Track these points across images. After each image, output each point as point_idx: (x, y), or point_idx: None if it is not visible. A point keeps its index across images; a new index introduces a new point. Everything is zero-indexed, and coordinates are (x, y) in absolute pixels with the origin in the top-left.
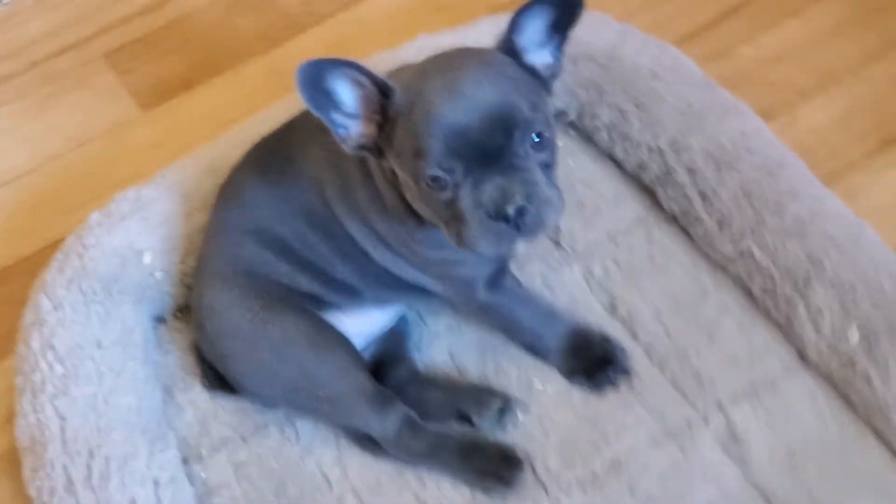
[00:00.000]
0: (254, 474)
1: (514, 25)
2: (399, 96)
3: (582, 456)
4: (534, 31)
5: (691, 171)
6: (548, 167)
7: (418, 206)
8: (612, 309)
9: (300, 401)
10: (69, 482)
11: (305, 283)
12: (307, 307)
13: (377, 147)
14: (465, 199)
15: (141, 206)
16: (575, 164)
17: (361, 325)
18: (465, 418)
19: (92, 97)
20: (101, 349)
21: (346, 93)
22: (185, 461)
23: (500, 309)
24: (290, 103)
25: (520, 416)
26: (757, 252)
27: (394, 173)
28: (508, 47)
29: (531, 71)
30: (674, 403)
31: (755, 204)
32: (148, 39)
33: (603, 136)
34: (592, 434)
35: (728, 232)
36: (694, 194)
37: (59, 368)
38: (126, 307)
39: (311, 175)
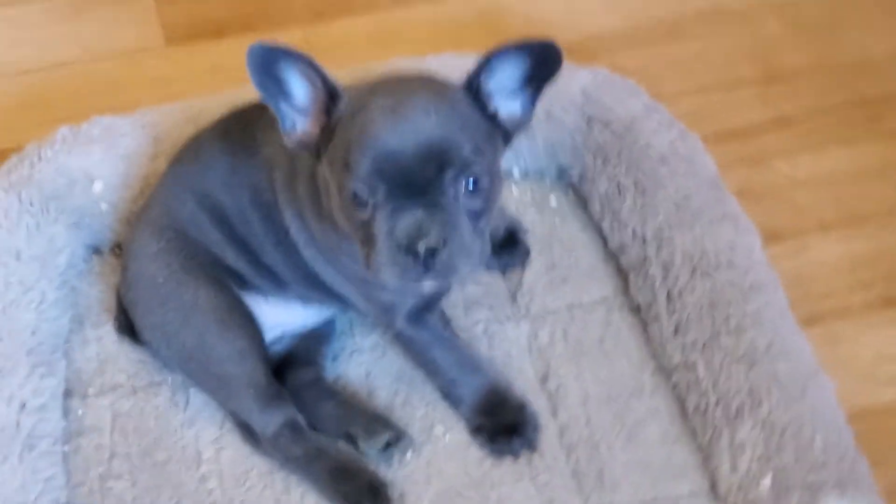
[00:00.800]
0: (129, 428)
1: (483, 66)
2: (345, 104)
3: None
4: (505, 78)
5: (666, 267)
6: (477, 216)
7: (337, 217)
8: (544, 379)
9: (192, 371)
10: None
11: (232, 258)
12: (226, 282)
13: (317, 149)
14: (380, 224)
15: (110, 135)
16: (561, 225)
17: (280, 315)
18: (352, 440)
19: (123, 16)
20: (18, 261)
21: (297, 86)
22: (67, 393)
23: (417, 344)
24: None
25: (408, 455)
26: (701, 368)
27: (323, 176)
28: (474, 88)
29: (492, 117)
30: (566, 493)
31: (716, 319)
32: None
33: (595, 206)
34: (473, 496)
35: (681, 339)
36: (661, 291)
37: None
38: (59, 227)
39: (266, 156)
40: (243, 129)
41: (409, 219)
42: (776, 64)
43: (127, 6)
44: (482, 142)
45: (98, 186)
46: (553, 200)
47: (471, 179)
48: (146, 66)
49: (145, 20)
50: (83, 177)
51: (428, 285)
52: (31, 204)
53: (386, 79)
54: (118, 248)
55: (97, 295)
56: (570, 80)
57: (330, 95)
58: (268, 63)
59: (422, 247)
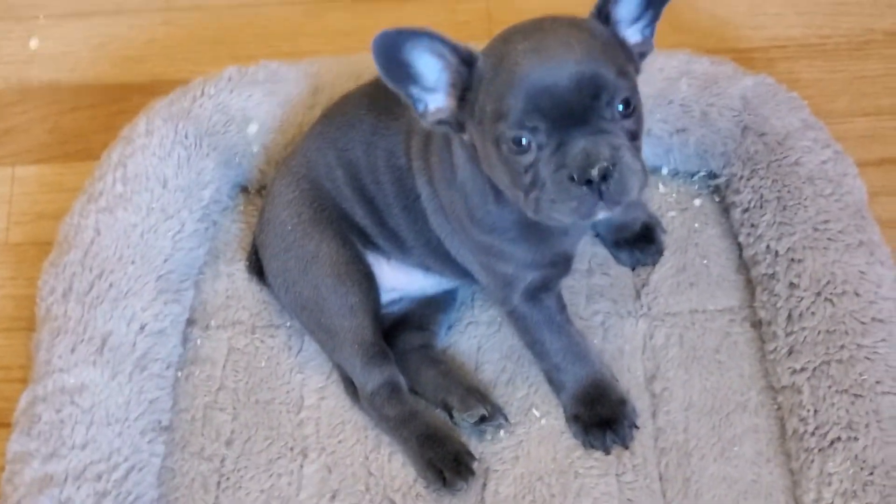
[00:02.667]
0: (241, 364)
1: None
2: (482, 62)
3: (534, 498)
4: (627, 3)
5: (792, 286)
6: (634, 136)
7: (494, 174)
8: (651, 380)
9: (305, 319)
10: (69, 289)
11: (360, 216)
12: (351, 239)
13: (457, 121)
14: (547, 162)
15: (275, 79)
16: (700, 230)
17: (400, 279)
18: (448, 409)
19: None
20: (165, 188)
21: (426, 65)
22: (190, 322)
23: (530, 323)
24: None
25: (501, 433)
26: (806, 393)
27: (473, 147)
28: (604, 15)
29: (623, 45)
30: (648, 495)
31: (830, 347)
32: None
33: (736, 215)
34: (556, 484)
35: (794, 361)
36: (783, 311)
37: (119, 187)
38: (209, 162)
39: (406, 122)
40: (389, 93)
41: (577, 148)
42: None
43: None
44: (624, 64)
45: (253, 128)
46: (697, 203)
47: (621, 102)
48: (330, 18)
49: None
50: (241, 117)
51: (602, 214)
52: (186, 136)
53: (515, 27)
54: (264, 190)
55: (237, 232)
56: (732, 85)
57: (465, 62)
58: (394, 49)
59: (595, 173)
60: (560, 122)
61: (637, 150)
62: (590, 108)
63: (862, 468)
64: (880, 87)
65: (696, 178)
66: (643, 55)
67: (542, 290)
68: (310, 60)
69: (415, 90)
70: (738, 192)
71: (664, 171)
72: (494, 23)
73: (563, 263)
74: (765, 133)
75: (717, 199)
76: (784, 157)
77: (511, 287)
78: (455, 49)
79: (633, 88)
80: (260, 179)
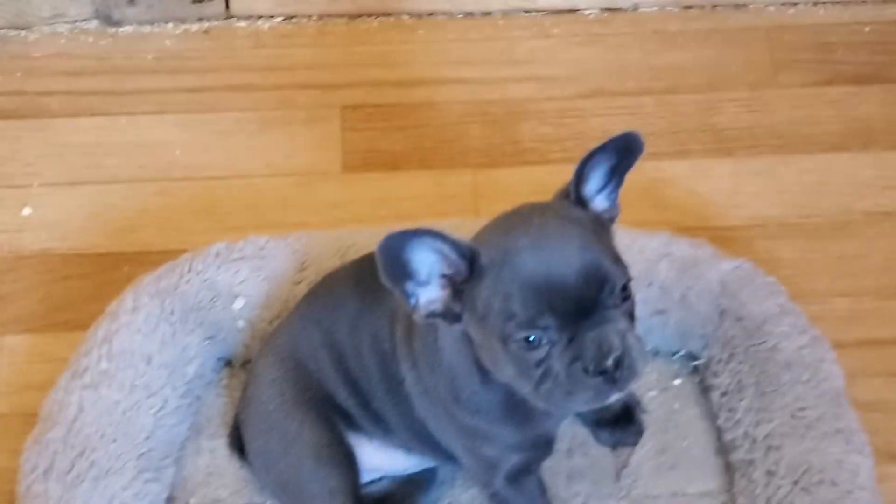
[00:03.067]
0: None
1: (579, 176)
2: (484, 258)
3: None
4: (596, 178)
5: (769, 474)
6: (631, 317)
7: (500, 369)
8: None
9: (284, 499)
10: (50, 467)
11: (343, 397)
12: (333, 420)
13: (451, 313)
14: (560, 357)
15: (261, 255)
16: (680, 410)
17: (383, 459)
18: None
19: (309, 139)
20: (148, 365)
21: (424, 262)
22: (171, 500)
23: None
24: (457, 225)
25: None
26: None
27: (466, 336)
28: (580, 199)
29: (597, 218)
30: None
31: None
32: (387, 110)
33: (715, 398)
34: None
35: None
36: (762, 497)
37: (104, 364)
38: (193, 339)
39: (390, 307)
40: (375, 275)
41: (590, 342)
42: None
43: (312, 130)
44: (614, 249)
45: (239, 303)
46: (677, 383)
47: (621, 287)
48: (320, 188)
49: (328, 146)
50: (227, 293)
51: (615, 398)
52: (172, 313)
53: (506, 219)
54: (248, 364)
55: (220, 406)
56: (711, 269)
57: (464, 258)
58: (400, 251)
59: (610, 362)
60: (570, 318)
61: (635, 330)
62: (596, 301)
63: None
64: (859, 267)
65: (676, 357)
66: (612, 219)
67: (524, 472)
68: (297, 235)
69: (410, 286)
70: (716, 375)
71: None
72: (480, 197)
73: (545, 445)
74: (742, 318)
75: (696, 381)
76: (762, 343)
77: (494, 470)
78: (456, 246)
79: (627, 272)
80: (244, 354)
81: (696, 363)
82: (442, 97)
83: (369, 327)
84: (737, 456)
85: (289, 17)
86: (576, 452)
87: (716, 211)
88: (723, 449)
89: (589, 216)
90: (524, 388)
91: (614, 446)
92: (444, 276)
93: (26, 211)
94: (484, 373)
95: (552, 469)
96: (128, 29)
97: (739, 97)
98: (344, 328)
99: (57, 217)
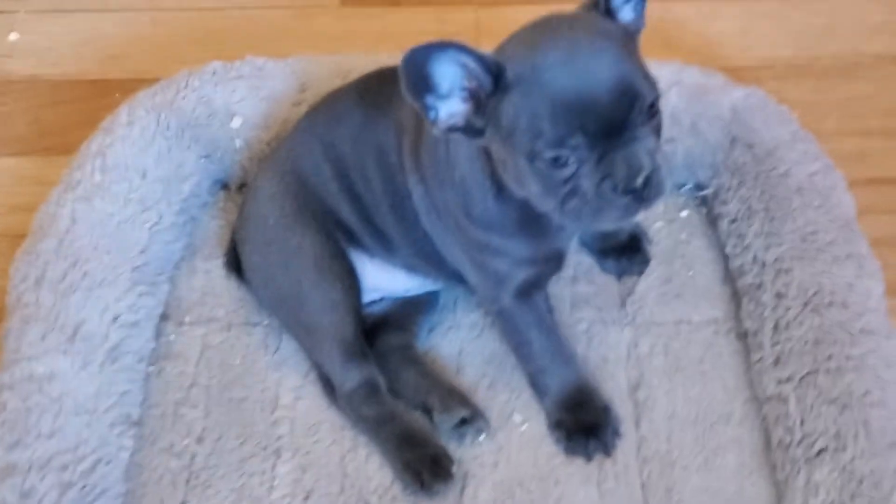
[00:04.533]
0: (215, 361)
1: None
2: (510, 73)
3: (513, 502)
4: None
5: (779, 297)
6: (658, 132)
7: (524, 186)
8: (634, 388)
9: (283, 314)
10: (42, 277)
11: (346, 212)
12: (335, 235)
13: (472, 128)
14: (590, 175)
15: (260, 75)
16: (686, 241)
17: (383, 279)
18: (428, 411)
19: None
20: (143, 179)
21: (446, 76)
22: (164, 317)
23: (519, 322)
24: None
25: (481, 437)
26: (793, 403)
27: (485, 151)
28: (609, 9)
29: (625, 30)
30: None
31: (818, 356)
32: None
33: (723, 226)
34: (536, 490)
35: (779, 371)
36: (770, 320)
37: (98, 177)
38: (190, 154)
39: (397, 119)
40: (380, 88)
41: (621, 161)
42: None
43: None
44: (640, 61)
45: (237, 122)
46: (683, 215)
47: (650, 104)
48: (318, 22)
49: None
50: (224, 111)
51: (641, 214)
52: (168, 127)
53: (536, 31)
54: (244, 187)
55: (216, 228)
56: (722, 96)
57: (490, 72)
58: (424, 65)
59: (640, 182)
60: (600, 136)
61: (659, 147)
62: (626, 119)
63: (850, 479)
64: (868, 108)
65: (683, 190)
66: (636, 31)
67: (534, 287)
68: (297, 58)
69: (430, 99)
70: (725, 202)
71: None
72: (483, 32)
73: (556, 260)
74: (753, 144)
75: (703, 212)
76: (773, 169)
77: (503, 285)
78: (481, 59)
79: (656, 88)
80: (241, 176)
81: (703, 193)
82: None
83: (374, 140)
84: (744, 281)
85: None
86: (581, 280)
87: (724, 51)
88: (729, 278)
89: (619, 28)
90: (548, 206)
91: (620, 275)
92: (466, 89)
93: (13, 36)
94: (499, 188)
95: (557, 296)
96: None
97: None
98: (347, 142)
99: (46, 44)
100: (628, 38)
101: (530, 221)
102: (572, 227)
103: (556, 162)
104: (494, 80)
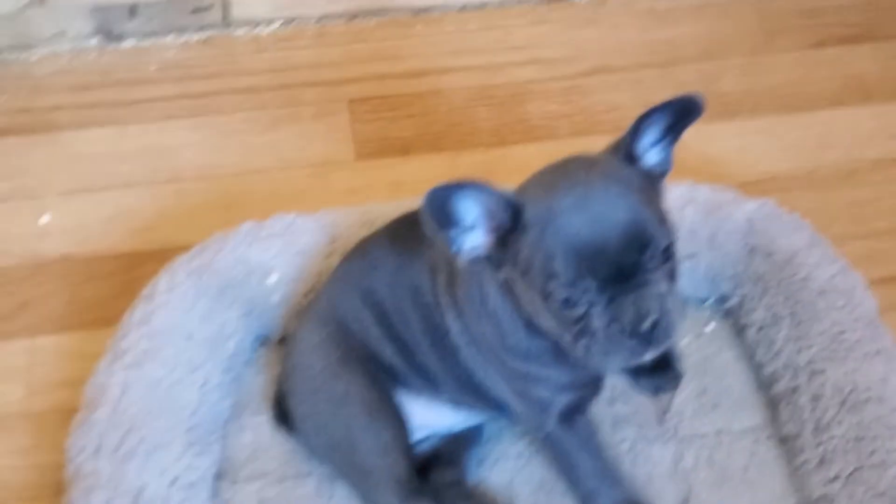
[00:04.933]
0: None
1: (635, 132)
2: (529, 214)
3: None
4: (651, 135)
5: (815, 398)
6: (673, 277)
7: (541, 320)
8: (685, 502)
9: (337, 461)
10: (99, 447)
11: (389, 355)
12: (380, 377)
13: (494, 258)
14: (599, 317)
15: (291, 231)
16: (716, 353)
17: (430, 416)
18: None
19: (319, 132)
20: (189, 341)
21: (468, 211)
22: (219, 476)
23: (564, 446)
24: None
25: None
26: (843, 501)
27: (507, 283)
28: (628, 154)
29: (647, 174)
30: None
31: (861, 453)
32: (394, 100)
33: (751, 335)
34: None
35: (825, 472)
36: (809, 423)
37: (144, 343)
38: (232, 314)
39: (430, 259)
40: (410, 231)
41: (630, 306)
42: None
43: (322, 124)
44: (658, 207)
45: (273, 278)
46: (709, 329)
47: (663, 248)
48: (335, 178)
49: (339, 138)
50: (260, 268)
51: (650, 356)
52: (208, 289)
53: (555, 174)
54: (284, 340)
55: (260, 384)
56: (736, 210)
57: (510, 210)
58: (446, 202)
59: (647, 326)
60: (610, 280)
61: (676, 288)
62: (637, 264)
63: None
64: (872, 210)
65: (706, 304)
66: (664, 174)
67: (577, 412)
68: (323, 212)
69: (454, 233)
70: (750, 312)
71: None
72: (494, 173)
73: (595, 383)
74: (772, 252)
75: (729, 323)
76: (794, 275)
77: (546, 413)
78: (501, 198)
79: (671, 232)
80: (280, 330)
81: (727, 305)
82: (446, 85)
83: (409, 282)
84: (779, 387)
85: (287, 21)
86: (618, 401)
87: (728, 169)
88: (762, 385)
89: (638, 173)
90: (563, 341)
91: (655, 393)
92: (490, 225)
93: (44, 219)
94: (529, 321)
95: (597, 417)
96: (129, 43)
97: (737, 64)
98: (384, 286)
99: (75, 223)
100: (648, 182)
101: (565, 352)
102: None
103: (568, 303)
104: (513, 218)
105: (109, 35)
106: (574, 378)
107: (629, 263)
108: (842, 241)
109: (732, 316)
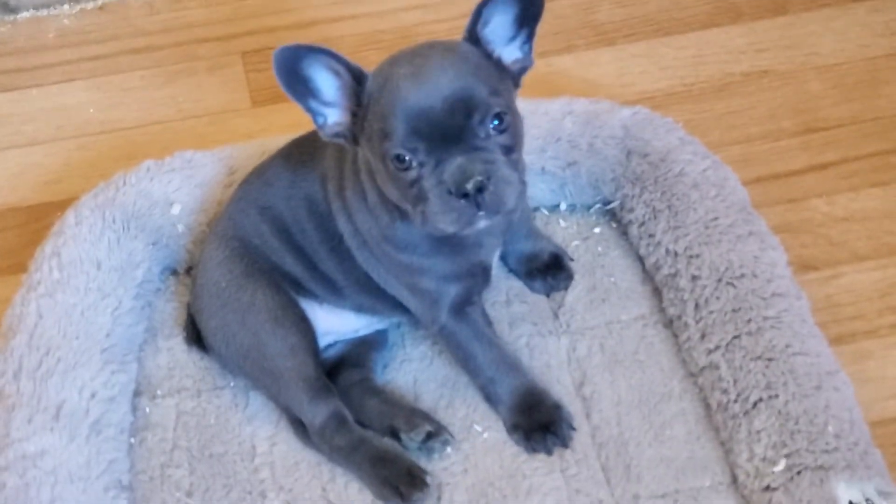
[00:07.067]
0: (191, 424)
1: (476, 17)
2: (371, 82)
3: (487, 501)
4: (499, 25)
5: (694, 278)
6: (509, 150)
7: (386, 189)
8: (580, 386)
9: (248, 368)
10: (19, 369)
11: (290, 264)
12: (284, 286)
13: (352, 135)
14: (428, 178)
15: (191, 166)
16: (603, 253)
17: (333, 322)
18: (395, 433)
19: (215, 84)
20: (99, 270)
21: (323, 81)
22: (137, 393)
23: (461, 338)
24: None
25: (448, 450)
26: (724, 367)
27: (369, 163)
28: (473, 38)
29: (497, 63)
30: (594, 484)
31: (738, 323)
32: None
33: (634, 231)
34: (506, 487)
35: (707, 342)
36: (690, 302)
37: (56, 274)
38: (138, 243)
39: (321, 169)
40: (301, 150)
41: (454, 165)
42: (818, 118)
43: (217, 76)
44: (495, 83)
45: (176, 209)
46: (597, 231)
47: (495, 118)
48: (234, 124)
49: (235, 87)
50: (163, 200)
51: (483, 223)
52: (114, 221)
53: (401, 51)
54: (192, 270)
55: (171, 311)
56: (612, 118)
57: (356, 80)
58: (294, 62)
59: (471, 186)
60: (437, 142)
61: (513, 164)
62: (464, 128)
63: (787, 420)
64: (746, 118)
65: (592, 210)
66: (524, 69)
67: (467, 303)
68: (222, 148)
69: (314, 104)
70: (632, 210)
71: (563, 206)
72: None
73: (482, 274)
74: (648, 154)
75: (614, 225)
76: (668, 171)
77: (437, 305)
78: (347, 65)
79: (506, 105)
80: (188, 260)
81: (610, 206)
82: (336, 32)
83: (304, 194)
84: (661, 274)
85: None
86: (514, 301)
87: (606, 92)
88: (647, 278)
89: (480, 54)
90: (407, 209)
91: (548, 293)
92: (346, 100)
93: None
94: (402, 211)
95: (495, 318)
96: (25, 15)
97: None
98: (280, 201)
99: None
100: (492, 65)
101: (442, 239)
102: (486, 243)
103: (401, 163)
104: (359, 86)
105: (6, 7)
106: (458, 268)
107: (455, 127)
108: (717, 148)
109: (616, 217)
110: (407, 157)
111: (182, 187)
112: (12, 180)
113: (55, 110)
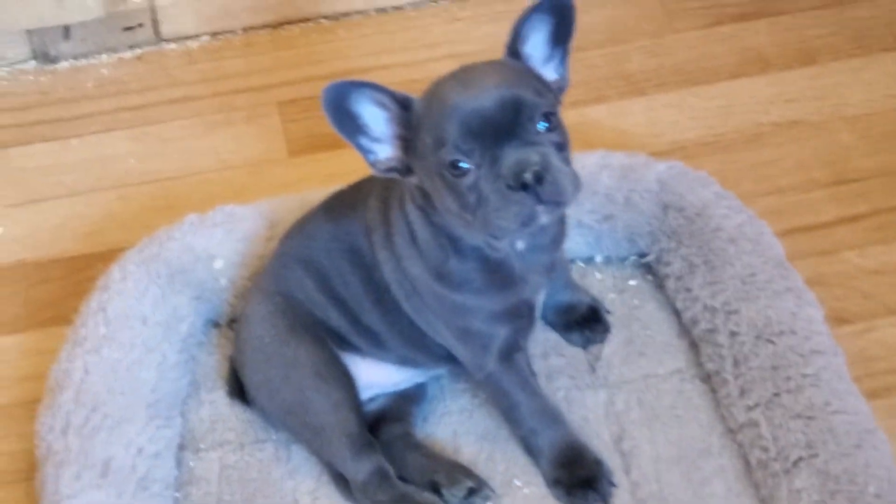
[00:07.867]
0: (234, 478)
1: (515, 34)
2: (418, 104)
3: None
4: (535, 44)
5: (733, 334)
6: (560, 148)
7: (446, 206)
8: (618, 441)
9: (291, 423)
10: (66, 426)
11: (334, 318)
12: (327, 341)
13: (405, 167)
14: (485, 178)
15: (232, 220)
16: (639, 306)
17: (376, 375)
18: (436, 488)
19: (252, 134)
20: (144, 325)
21: (371, 115)
22: (182, 447)
23: (506, 386)
24: None
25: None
26: (763, 425)
27: (423, 194)
28: (515, 53)
29: (538, 76)
30: None
31: (777, 380)
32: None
33: (671, 285)
34: None
35: (746, 399)
36: (728, 358)
37: (102, 329)
38: (182, 298)
39: (364, 221)
40: (342, 203)
41: (510, 159)
42: (848, 168)
43: (255, 126)
44: (540, 87)
45: (219, 263)
46: (632, 284)
47: (543, 118)
48: (271, 174)
49: (272, 137)
50: (206, 255)
51: (544, 218)
52: (159, 276)
53: (444, 74)
54: (234, 323)
55: (213, 364)
56: (648, 172)
57: (403, 107)
58: (341, 99)
59: (529, 176)
60: (491, 141)
61: (566, 159)
62: (515, 125)
63: (827, 479)
64: (776, 169)
65: (627, 262)
66: (561, 90)
67: (514, 349)
68: (261, 202)
69: (364, 141)
70: (668, 264)
71: (598, 259)
72: None
73: (528, 314)
74: (684, 208)
75: (650, 278)
76: (704, 226)
77: (486, 349)
78: (393, 95)
79: (553, 105)
80: (230, 313)
81: (646, 260)
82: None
83: (347, 246)
84: (699, 329)
85: (215, 34)
86: (551, 354)
87: (639, 141)
88: (684, 329)
89: (521, 66)
90: (466, 221)
91: (585, 346)
92: (396, 135)
93: None
94: (456, 245)
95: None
96: (65, 64)
97: (642, 45)
98: (323, 254)
99: (26, 231)
100: (534, 76)
101: (492, 272)
102: (533, 276)
103: (458, 170)
104: (407, 113)
105: (46, 57)
106: (506, 305)
107: (506, 124)
108: (749, 199)
109: (652, 270)
110: (463, 162)
111: (224, 241)
112: (54, 231)
113: (95, 161)
